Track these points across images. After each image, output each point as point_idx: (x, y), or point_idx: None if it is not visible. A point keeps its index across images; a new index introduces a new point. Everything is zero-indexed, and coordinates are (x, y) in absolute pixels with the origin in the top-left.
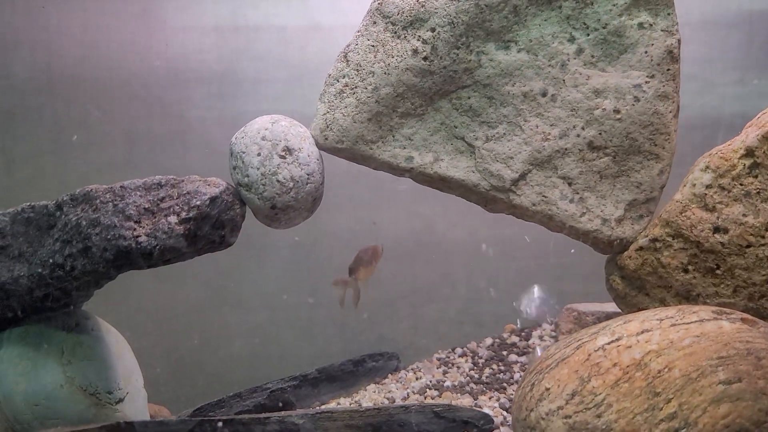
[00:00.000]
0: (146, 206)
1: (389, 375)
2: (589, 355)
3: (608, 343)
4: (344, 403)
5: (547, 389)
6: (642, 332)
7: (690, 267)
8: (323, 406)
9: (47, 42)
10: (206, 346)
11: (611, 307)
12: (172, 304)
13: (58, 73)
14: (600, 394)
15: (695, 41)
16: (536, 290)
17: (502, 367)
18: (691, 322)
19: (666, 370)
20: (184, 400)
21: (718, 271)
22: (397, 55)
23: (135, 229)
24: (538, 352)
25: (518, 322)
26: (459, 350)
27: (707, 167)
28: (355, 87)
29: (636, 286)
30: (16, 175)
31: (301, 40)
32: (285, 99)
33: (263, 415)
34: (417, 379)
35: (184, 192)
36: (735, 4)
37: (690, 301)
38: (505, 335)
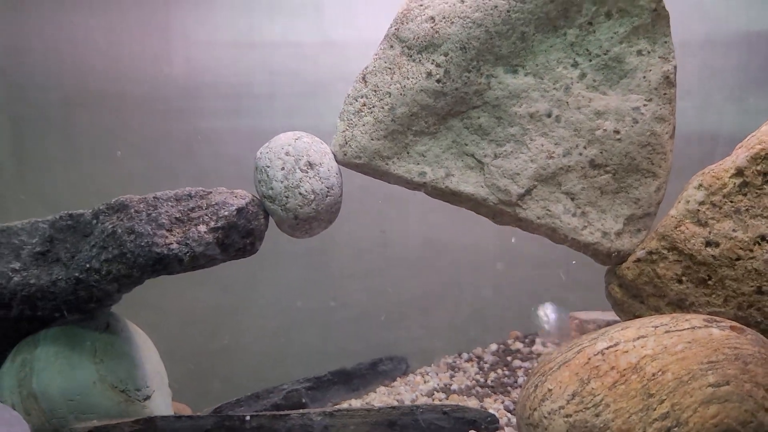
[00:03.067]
0: (177, 216)
1: (398, 378)
2: (589, 358)
3: (607, 348)
4: (355, 404)
5: (550, 390)
6: (638, 338)
7: (684, 278)
8: (335, 407)
9: (73, 55)
10: (225, 348)
11: (611, 315)
12: (193, 308)
13: (83, 86)
14: (598, 395)
15: (696, 60)
16: (552, 307)
17: (507, 372)
18: (684, 329)
19: (660, 373)
20: (204, 399)
21: (709, 282)
22: (413, 77)
23: (167, 237)
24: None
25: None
26: (465, 355)
27: (700, 185)
28: (373, 106)
29: (633, 294)
30: (47, 181)
31: (316, 55)
32: (299, 112)
33: (284, 412)
34: (425, 382)
35: (213, 203)
36: (734, 26)
37: (684, 309)
38: (510, 341)
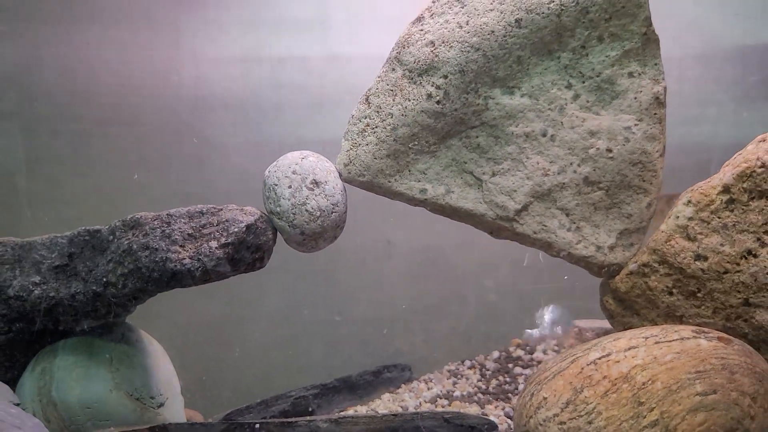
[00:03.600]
0: (189, 232)
1: (402, 385)
2: (582, 368)
3: (599, 358)
4: (361, 410)
5: (545, 398)
6: (629, 348)
7: (674, 290)
8: (341, 413)
9: (88, 72)
10: (234, 357)
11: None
12: (203, 319)
13: (95, 100)
14: (591, 403)
15: (692, 73)
16: (554, 310)
17: (508, 379)
18: (673, 340)
19: (650, 382)
20: (214, 407)
21: (698, 294)
22: (413, 99)
23: (180, 253)
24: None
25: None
26: (468, 362)
27: (689, 201)
28: (376, 127)
29: (627, 306)
30: (58, 194)
31: (321, 70)
32: (305, 124)
33: (291, 419)
34: (428, 389)
35: (224, 220)
36: (729, 40)
37: (675, 320)
38: (511, 349)
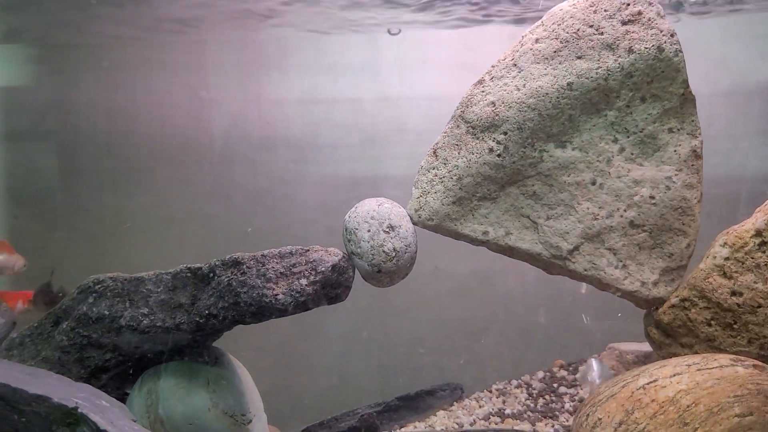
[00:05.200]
0: (281, 271)
1: (455, 403)
2: (633, 392)
3: (647, 383)
4: (420, 426)
5: (599, 419)
6: (674, 375)
7: (712, 322)
8: (402, 429)
9: (161, 114)
10: (300, 375)
11: (647, 346)
12: (274, 340)
13: (170, 140)
14: (641, 423)
15: (722, 109)
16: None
17: (554, 398)
18: (713, 368)
19: (693, 405)
20: (288, 423)
21: (735, 326)
22: (477, 153)
23: (274, 289)
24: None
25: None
26: (514, 382)
27: (725, 243)
28: (443, 177)
29: (669, 335)
30: (139, 222)
31: (373, 110)
32: (358, 161)
33: None
34: (480, 407)
35: (311, 260)
36: (755, 77)
37: (713, 349)
38: (555, 369)
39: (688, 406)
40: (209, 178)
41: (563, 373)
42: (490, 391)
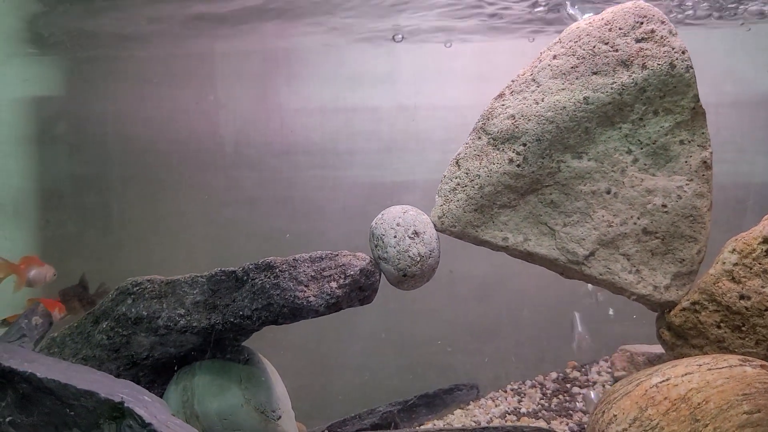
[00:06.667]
0: (312, 274)
1: (471, 402)
2: (646, 390)
3: (660, 382)
4: (438, 424)
5: (615, 416)
6: (686, 374)
7: (722, 324)
8: (421, 427)
9: (187, 122)
10: (325, 374)
11: (658, 348)
12: (300, 341)
13: (195, 147)
14: (655, 420)
15: (729, 118)
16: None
17: (567, 398)
18: (723, 367)
19: (704, 402)
20: (313, 420)
21: (743, 328)
22: (497, 163)
23: (305, 291)
24: (591, 396)
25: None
26: (528, 382)
27: (734, 249)
28: (465, 186)
29: (680, 337)
30: (164, 228)
31: (391, 118)
32: (376, 167)
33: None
34: (496, 405)
35: (341, 264)
36: (761, 88)
37: (722, 350)
38: (568, 370)
39: (699, 404)
40: (234, 185)
41: (576, 373)
42: (506, 391)
